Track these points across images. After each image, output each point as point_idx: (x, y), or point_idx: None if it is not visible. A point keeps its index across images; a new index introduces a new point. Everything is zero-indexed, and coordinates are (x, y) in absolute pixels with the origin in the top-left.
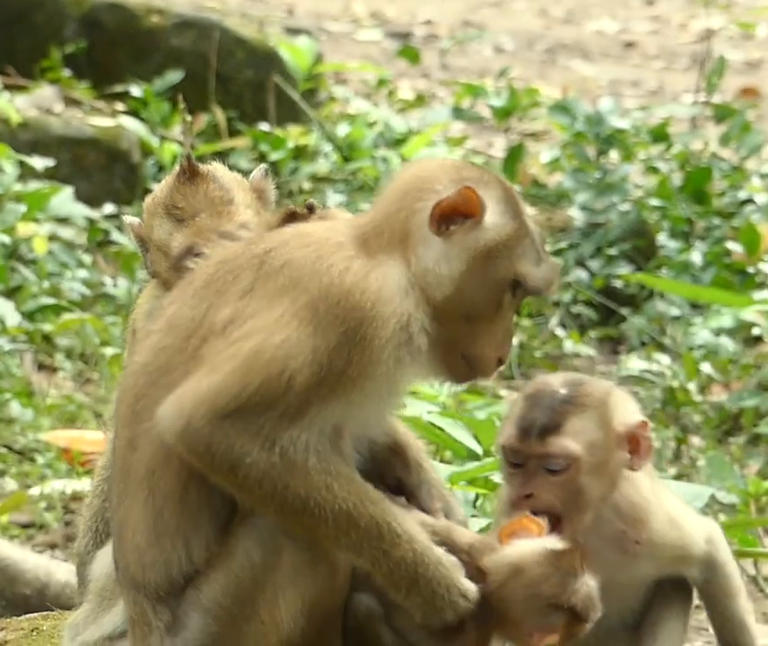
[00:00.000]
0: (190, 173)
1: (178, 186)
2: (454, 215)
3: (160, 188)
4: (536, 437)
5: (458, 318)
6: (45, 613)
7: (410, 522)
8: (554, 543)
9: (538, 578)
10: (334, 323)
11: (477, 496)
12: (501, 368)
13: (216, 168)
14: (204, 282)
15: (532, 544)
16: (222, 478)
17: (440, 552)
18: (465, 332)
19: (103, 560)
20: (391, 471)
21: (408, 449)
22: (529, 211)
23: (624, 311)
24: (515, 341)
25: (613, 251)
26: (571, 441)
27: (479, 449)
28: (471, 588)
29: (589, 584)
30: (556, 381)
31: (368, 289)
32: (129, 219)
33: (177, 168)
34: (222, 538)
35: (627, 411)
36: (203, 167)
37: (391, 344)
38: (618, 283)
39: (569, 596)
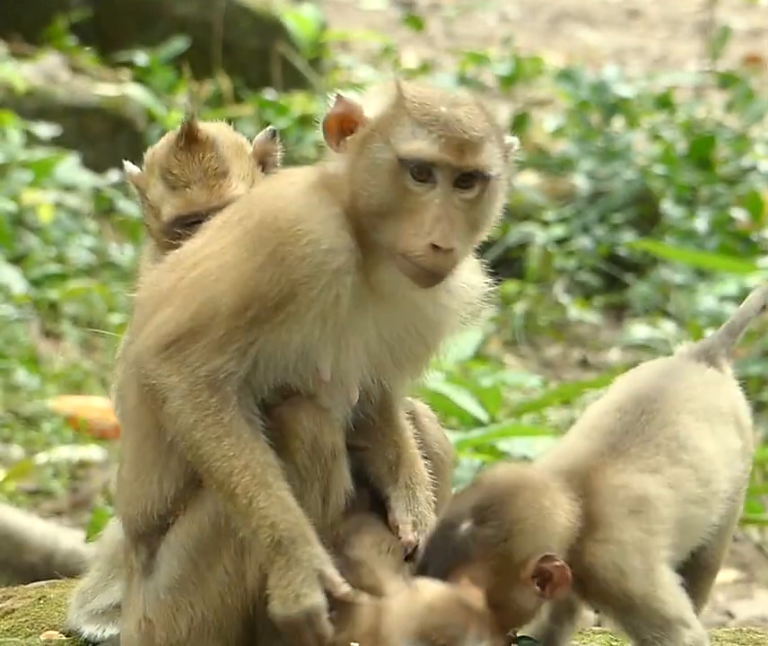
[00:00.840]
0: (189, 139)
1: (176, 150)
2: (345, 127)
3: (160, 145)
4: None
5: (375, 217)
6: (52, 581)
7: (285, 507)
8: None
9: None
10: (261, 245)
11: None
12: (449, 261)
13: (219, 132)
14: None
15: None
16: (157, 412)
17: (308, 552)
18: (389, 229)
19: (114, 527)
20: (380, 479)
21: (402, 467)
22: (533, 178)
23: (629, 278)
24: (519, 308)
25: (617, 219)
26: None
27: (484, 416)
28: (315, 603)
29: None
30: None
31: (291, 209)
32: (130, 167)
33: (179, 128)
34: (195, 481)
35: None
36: (203, 132)
37: (312, 262)
38: (623, 251)
39: None
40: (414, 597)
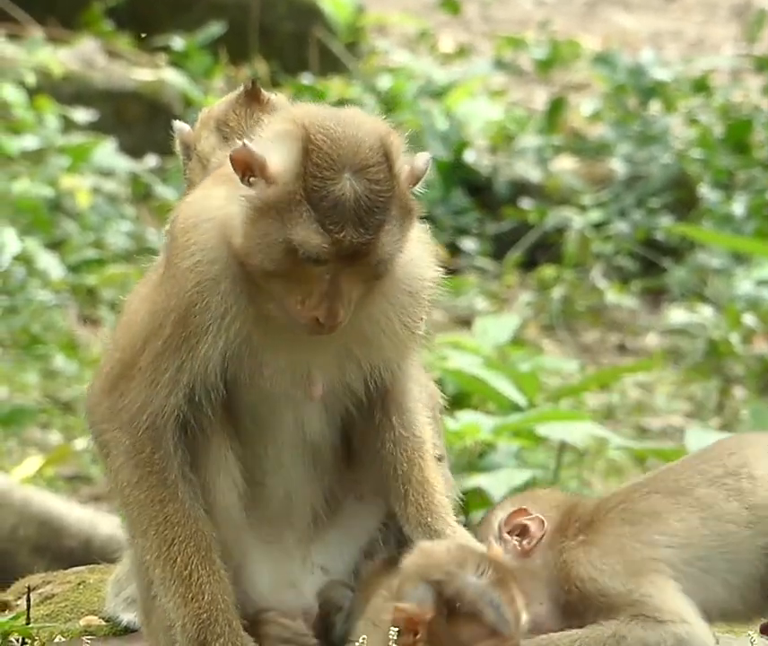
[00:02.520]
0: (250, 97)
1: (236, 105)
2: (250, 169)
3: (219, 104)
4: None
5: (263, 274)
6: (91, 566)
7: (224, 590)
8: None
9: None
10: (166, 259)
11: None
12: (334, 329)
13: (279, 100)
14: None
15: None
16: (101, 463)
17: (240, 639)
18: (275, 285)
19: None
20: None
21: (410, 485)
22: (570, 162)
23: (666, 263)
24: (557, 293)
25: (654, 203)
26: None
27: (522, 401)
28: None
29: None
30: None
31: (185, 218)
32: (179, 124)
33: (240, 88)
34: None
35: (501, 510)
36: (264, 95)
37: (197, 271)
38: (660, 235)
39: None
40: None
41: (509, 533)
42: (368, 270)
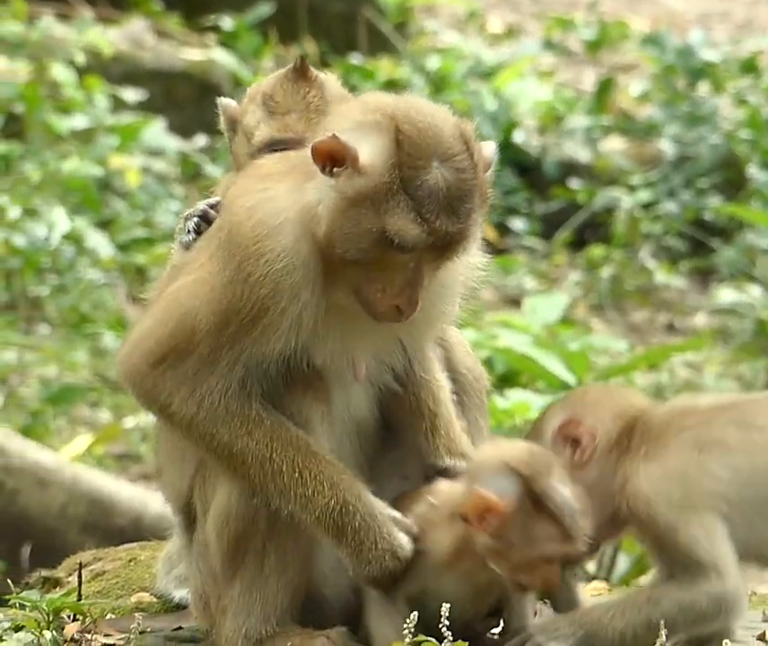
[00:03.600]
0: (299, 73)
1: (284, 81)
2: (335, 159)
3: (266, 80)
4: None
5: (346, 263)
6: (142, 543)
7: (338, 470)
8: None
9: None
10: (229, 259)
11: None
12: (409, 317)
13: (327, 79)
14: None
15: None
16: (159, 417)
17: (373, 504)
18: (355, 274)
19: None
20: (414, 434)
21: (438, 436)
22: (619, 143)
23: (715, 243)
24: (606, 273)
25: (703, 183)
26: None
27: (572, 380)
28: (403, 544)
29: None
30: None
31: (253, 223)
32: (225, 100)
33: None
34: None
35: (554, 419)
36: (312, 71)
37: (272, 280)
38: (709, 215)
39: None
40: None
41: (562, 443)
42: (449, 258)
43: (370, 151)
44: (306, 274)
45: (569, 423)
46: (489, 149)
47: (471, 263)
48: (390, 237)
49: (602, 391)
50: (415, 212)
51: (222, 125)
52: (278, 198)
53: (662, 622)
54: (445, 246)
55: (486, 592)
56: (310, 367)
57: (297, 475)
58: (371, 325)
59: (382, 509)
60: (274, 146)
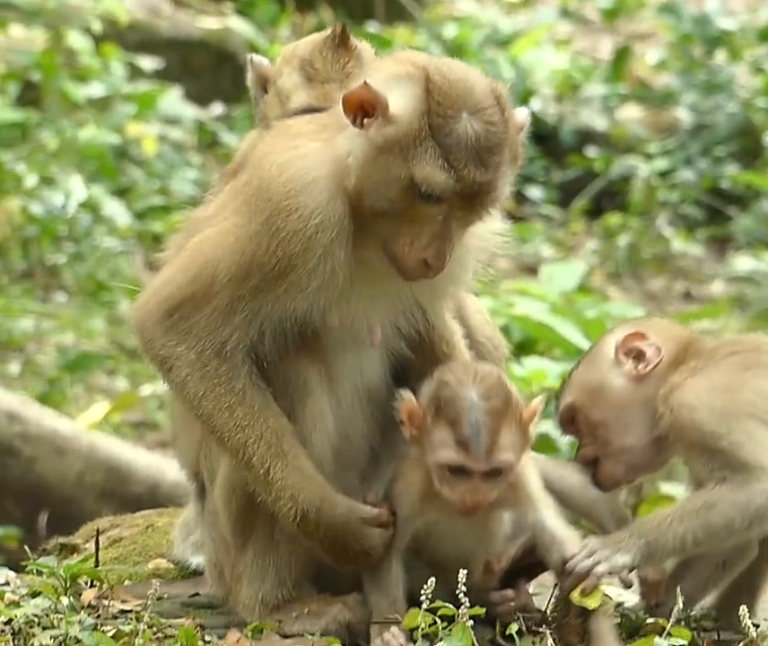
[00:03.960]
0: (339, 42)
1: (323, 47)
2: (365, 110)
3: (302, 43)
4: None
5: (372, 212)
6: (159, 509)
7: (303, 476)
8: None
9: None
10: (256, 213)
11: None
12: (437, 273)
13: (365, 48)
14: (222, 173)
15: None
16: (160, 375)
17: (338, 509)
18: (384, 228)
19: None
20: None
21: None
22: (636, 111)
23: (732, 211)
24: (623, 241)
25: (720, 151)
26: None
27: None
28: (375, 543)
29: None
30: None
31: (285, 179)
32: (258, 58)
33: (327, 31)
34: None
35: (618, 333)
36: (353, 41)
37: (304, 235)
38: (726, 183)
39: None
40: None
41: (625, 355)
42: (477, 213)
43: (400, 99)
44: (339, 231)
45: (635, 335)
46: (522, 113)
47: (492, 228)
48: (418, 184)
49: (659, 318)
50: (443, 159)
51: (251, 82)
52: (310, 155)
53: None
54: (473, 196)
55: (477, 532)
56: (314, 329)
57: (263, 473)
58: (395, 288)
59: (350, 512)
60: (308, 113)
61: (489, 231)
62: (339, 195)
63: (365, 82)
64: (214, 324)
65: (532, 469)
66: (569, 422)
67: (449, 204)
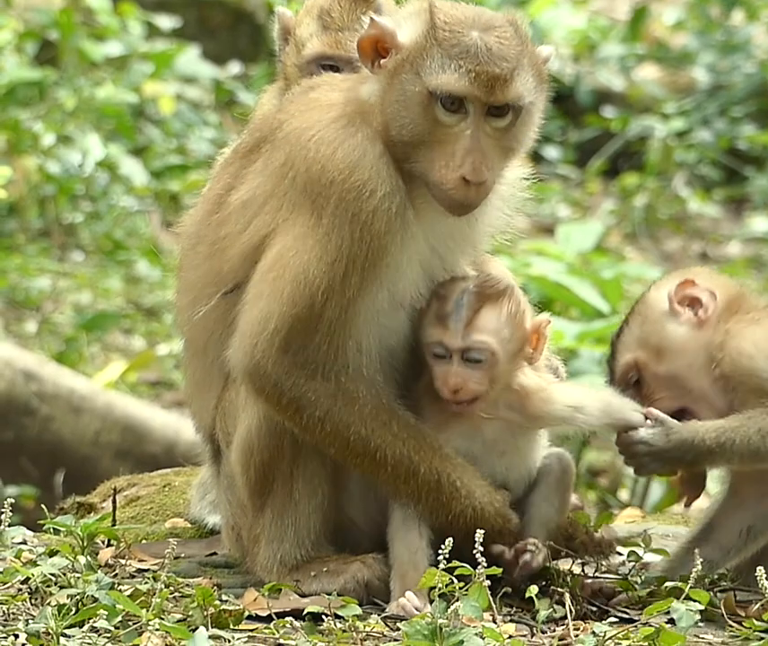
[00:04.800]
0: None
1: None
2: (379, 50)
3: None
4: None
5: (407, 146)
6: (177, 469)
7: (470, 475)
8: None
9: None
10: (322, 201)
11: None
12: (480, 192)
13: (386, 1)
14: (236, 152)
15: None
16: (286, 417)
17: (496, 499)
18: (421, 159)
19: None
20: None
21: None
22: (653, 71)
23: (749, 171)
24: (639, 202)
25: (737, 112)
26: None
27: (606, 308)
28: (515, 521)
29: None
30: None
31: (338, 157)
32: (282, 9)
33: None
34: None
35: (666, 284)
36: None
37: (382, 212)
38: (743, 144)
39: None
40: None
41: (680, 304)
42: (506, 126)
43: (407, 29)
44: (403, 198)
45: (686, 283)
46: (546, 49)
47: (518, 174)
48: (435, 94)
49: (700, 267)
50: (455, 63)
51: (276, 34)
52: (347, 123)
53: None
54: (493, 95)
55: (497, 460)
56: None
57: (433, 479)
58: (432, 251)
59: (503, 504)
60: (323, 62)
61: (513, 175)
62: (384, 153)
63: (371, 19)
64: (337, 339)
65: (559, 394)
66: (631, 382)
67: (473, 114)
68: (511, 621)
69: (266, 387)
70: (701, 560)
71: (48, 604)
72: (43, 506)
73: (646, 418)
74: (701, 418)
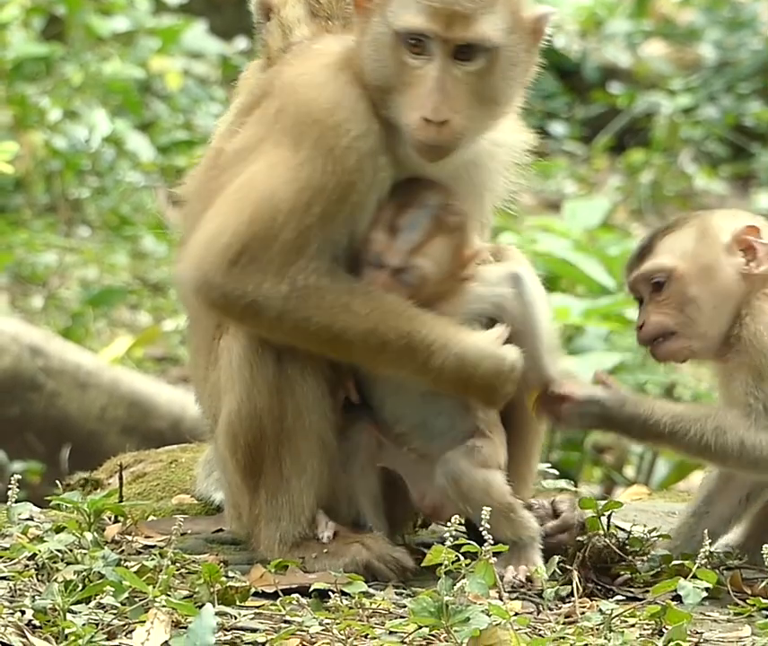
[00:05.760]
0: None
1: None
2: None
3: None
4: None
5: (381, 92)
6: (183, 445)
7: (442, 325)
8: None
9: None
10: (301, 138)
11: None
12: (443, 133)
13: None
14: (241, 106)
15: None
16: (244, 324)
17: (479, 340)
18: (394, 103)
19: None
20: None
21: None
22: (660, 47)
23: (755, 148)
24: (646, 178)
25: (744, 88)
26: (663, 257)
27: (612, 285)
28: (515, 356)
29: None
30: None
31: (323, 97)
32: None
33: None
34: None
35: (732, 219)
36: None
37: (354, 151)
38: (749, 121)
39: None
40: None
41: (737, 245)
42: (477, 69)
43: None
44: (379, 138)
45: (754, 230)
46: (546, 8)
47: (517, 137)
48: (400, 34)
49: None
50: (416, 1)
51: (253, 6)
52: (337, 70)
53: None
54: (452, 32)
55: None
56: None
57: (404, 343)
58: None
59: (486, 339)
60: None
61: (513, 139)
62: (369, 101)
63: None
64: (289, 259)
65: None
66: (653, 282)
67: (438, 55)
68: (517, 598)
69: (215, 298)
70: (709, 540)
71: (55, 580)
72: (58, 482)
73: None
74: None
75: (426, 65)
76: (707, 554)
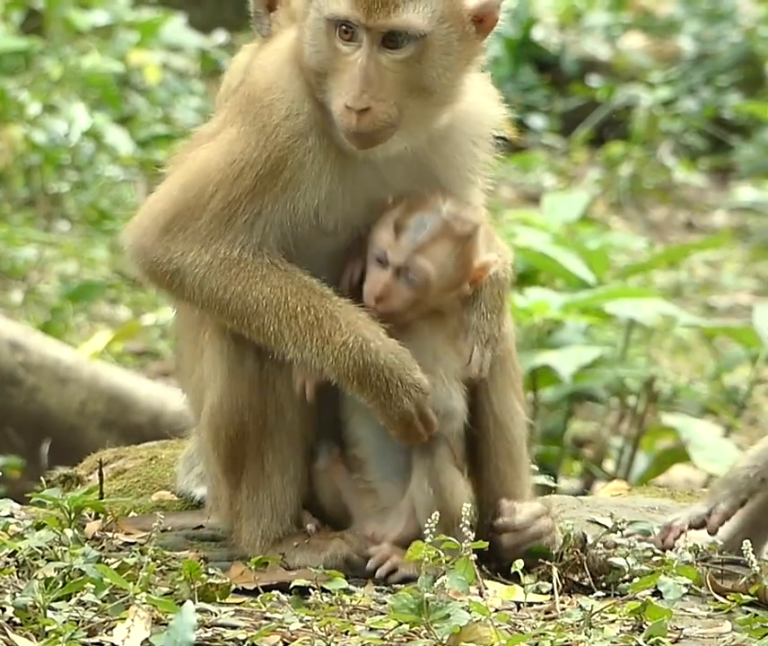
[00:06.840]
0: None
1: None
2: None
3: None
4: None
5: (315, 77)
6: (163, 441)
7: (354, 310)
8: None
9: None
10: (243, 115)
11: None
12: (364, 122)
13: None
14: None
15: None
16: (166, 290)
17: (391, 342)
18: (326, 90)
19: None
20: None
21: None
22: (639, 40)
23: (734, 141)
24: (625, 171)
25: (723, 81)
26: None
27: (591, 279)
28: (423, 379)
29: None
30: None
31: (264, 79)
32: None
33: None
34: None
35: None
36: None
37: (286, 129)
38: (728, 113)
39: None
40: None
41: None
42: (405, 57)
43: None
44: (311, 121)
45: None
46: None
47: (485, 119)
48: (329, 20)
49: None
50: None
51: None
52: (279, 51)
53: None
54: (372, 19)
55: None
56: (316, 244)
57: (312, 316)
58: (378, 189)
59: (399, 347)
60: None
61: (479, 121)
62: (298, 74)
63: None
64: (216, 230)
65: None
66: None
67: (365, 42)
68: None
69: (145, 264)
70: (688, 535)
71: (35, 577)
72: (33, 479)
73: None
74: None
75: (355, 52)
76: (689, 547)
